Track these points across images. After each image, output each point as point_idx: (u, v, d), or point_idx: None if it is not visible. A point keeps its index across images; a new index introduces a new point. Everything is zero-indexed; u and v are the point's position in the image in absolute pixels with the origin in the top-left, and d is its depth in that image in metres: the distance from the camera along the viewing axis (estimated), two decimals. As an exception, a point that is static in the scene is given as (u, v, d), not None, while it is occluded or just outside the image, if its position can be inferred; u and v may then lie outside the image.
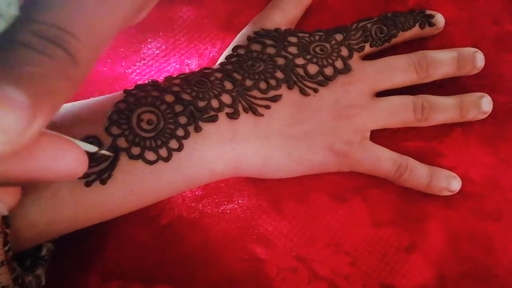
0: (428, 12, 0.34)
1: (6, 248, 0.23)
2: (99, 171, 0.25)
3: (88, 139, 0.25)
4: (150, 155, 0.26)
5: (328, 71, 0.30)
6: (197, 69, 0.32)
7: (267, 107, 0.29)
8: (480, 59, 0.31)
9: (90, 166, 0.25)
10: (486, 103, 0.31)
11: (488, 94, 0.31)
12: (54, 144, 0.16)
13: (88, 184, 0.25)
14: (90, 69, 0.17)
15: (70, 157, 0.17)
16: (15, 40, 0.15)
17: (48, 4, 0.16)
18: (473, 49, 0.31)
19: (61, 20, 0.16)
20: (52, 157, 0.16)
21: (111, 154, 0.25)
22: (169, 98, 0.27)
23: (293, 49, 0.31)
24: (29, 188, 0.24)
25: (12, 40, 0.15)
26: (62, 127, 0.26)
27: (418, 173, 0.30)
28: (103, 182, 0.25)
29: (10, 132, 0.14)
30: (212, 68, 0.31)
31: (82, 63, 0.16)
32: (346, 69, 0.31)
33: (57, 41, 0.15)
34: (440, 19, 0.34)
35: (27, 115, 0.14)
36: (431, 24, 0.33)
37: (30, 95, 0.14)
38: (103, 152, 0.24)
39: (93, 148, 0.19)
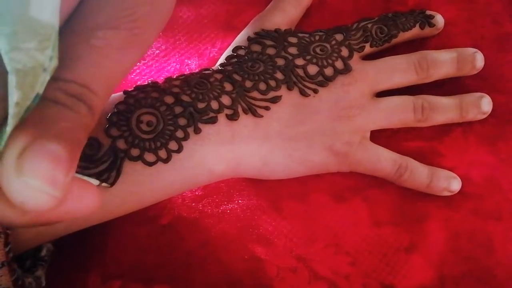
0: (428, 12, 0.34)
1: (7, 249, 0.23)
2: (98, 172, 0.25)
3: (87, 141, 0.25)
4: (150, 157, 0.26)
5: (328, 71, 0.30)
6: (197, 69, 0.32)
7: (267, 108, 0.29)
8: (479, 60, 0.31)
9: (89, 168, 0.25)
10: (485, 104, 0.31)
11: (488, 94, 0.31)
12: (76, 187, 0.17)
13: None
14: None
15: (89, 196, 0.18)
16: (47, 97, 0.16)
17: (71, 64, 0.17)
18: (472, 50, 0.31)
19: (84, 78, 0.17)
20: (76, 199, 0.17)
21: (109, 186, 0.25)
22: (169, 99, 0.28)
23: (293, 50, 0.31)
24: None
25: (44, 98, 0.16)
26: None
27: (418, 174, 0.30)
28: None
29: (59, 186, 0.15)
30: (212, 69, 0.31)
31: (97, 113, 0.18)
32: (346, 70, 0.31)
33: (81, 98, 0.17)
34: (440, 20, 0.34)
35: (68, 169, 0.16)
36: (431, 25, 0.33)
37: (68, 150, 0.16)
38: (104, 185, 0.24)
39: (95, 182, 0.19)
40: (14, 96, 0.14)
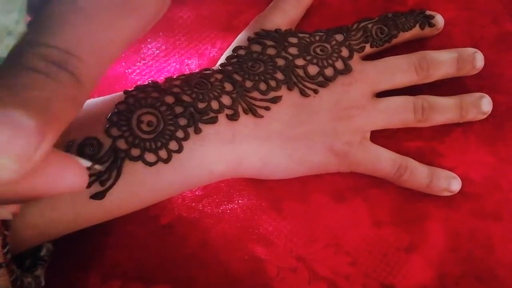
0: (428, 12, 0.34)
1: (5, 250, 0.23)
2: (99, 172, 0.25)
3: (88, 141, 0.25)
4: (150, 157, 0.26)
5: (328, 71, 0.30)
6: (197, 69, 0.32)
7: (267, 108, 0.29)
8: (479, 60, 0.31)
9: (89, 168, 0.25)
10: (485, 104, 0.31)
11: (488, 94, 0.31)
12: (56, 162, 0.16)
13: (87, 186, 0.25)
14: (94, 87, 0.17)
15: (72, 173, 0.17)
16: (23, 64, 0.15)
17: (54, 27, 0.16)
18: (472, 50, 0.31)
19: (67, 43, 0.16)
20: (55, 174, 0.16)
21: (101, 169, 0.24)
22: (169, 99, 0.28)
23: (293, 50, 0.31)
24: None
25: (20, 64, 0.15)
26: None
27: (418, 174, 0.30)
28: (103, 183, 0.25)
29: (20, 158, 0.14)
30: (212, 69, 0.31)
31: (86, 84, 0.16)
32: (347, 70, 0.31)
33: (63, 64, 0.16)
34: (440, 20, 0.34)
35: (35, 140, 0.14)
36: (431, 25, 0.33)
37: (38, 120, 0.14)
38: (96, 167, 0.24)
39: (86, 163, 0.19)
40: None
